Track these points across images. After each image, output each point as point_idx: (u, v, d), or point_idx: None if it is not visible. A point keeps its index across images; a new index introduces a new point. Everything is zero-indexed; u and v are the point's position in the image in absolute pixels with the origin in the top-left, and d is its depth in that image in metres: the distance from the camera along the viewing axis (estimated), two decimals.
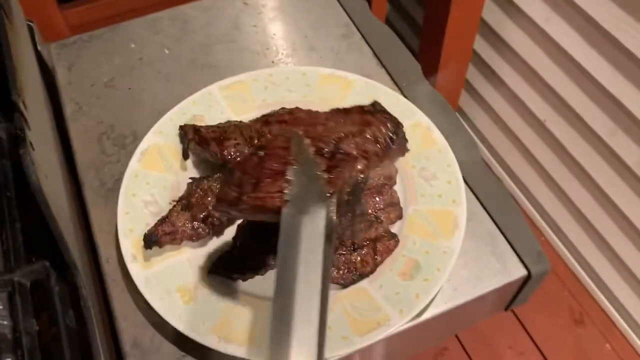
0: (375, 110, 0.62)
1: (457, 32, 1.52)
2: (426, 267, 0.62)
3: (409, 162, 0.71)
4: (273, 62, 0.85)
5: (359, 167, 0.51)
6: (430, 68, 1.65)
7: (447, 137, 0.72)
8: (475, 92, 1.79)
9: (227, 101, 0.76)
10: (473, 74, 1.77)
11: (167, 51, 0.86)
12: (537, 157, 1.65)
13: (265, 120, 0.69)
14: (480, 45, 1.67)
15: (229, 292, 0.62)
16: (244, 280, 0.61)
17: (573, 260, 1.69)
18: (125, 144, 0.76)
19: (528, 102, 1.59)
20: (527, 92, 1.57)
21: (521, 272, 0.66)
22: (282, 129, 0.67)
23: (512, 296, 0.71)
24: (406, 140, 0.60)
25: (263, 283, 0.62)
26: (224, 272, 0.61)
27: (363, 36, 0.87)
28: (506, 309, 0.75)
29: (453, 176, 0.68)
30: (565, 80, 1.43)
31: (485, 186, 0.72)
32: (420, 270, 0.62)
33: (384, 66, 0.83)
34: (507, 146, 1.76)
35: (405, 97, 0.77)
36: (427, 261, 0.62)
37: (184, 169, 0.71)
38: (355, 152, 0.51)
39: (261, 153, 0.55)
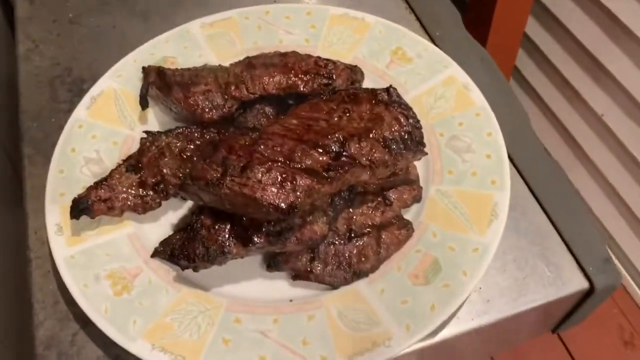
0: (390, 101, 0.48)
1: (507, 10, 1.35)
2: (448, 268, 0.45)
3: (435, 129, 0.53)
4: (276, 1, 0.68)
5: (363, 177, 0.45)
6: None
7: (488, 100, 0.54)
8: (524, 80, 1.61)
9: (209, 42, 0.60)
10: (522, 60, 1.59)
11: None
12: (590, 155, 1.47)
13: (249, 62, 0.53)
14: (532, 27, 1.49)
15: (176, 284, 0.46)
16: (195, 270, 0.45)
17: (625, 274, 1.50)
18: (82, 90, 0.61)
19: (584, 92, 1.41)
20: (584, 81, 1.39)
21: (581, 284, 0.49)
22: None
23: (565, 315, 0.53)
24: (423, 145, 0.47)
25: (219, 277, 0.47)
26: (171, 257, 0.45)
27: None
28: (554, 330, 0.57)
29: (494, 149, 0.51)
30: (630, 69, 1.23)
31: (537, 167, 0.55)
32: (440, 273, 0.45)
33: (413, 11, 0.66)
34: (557, 141, 1.58)
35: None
36: (451, 261, 0.45)
37: (144, 122, 0.55)
38: (362, 160, 0.44)
39: (253, 134, 0.45)
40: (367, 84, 0.57)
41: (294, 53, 0.55)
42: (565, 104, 1.53)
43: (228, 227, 0.44)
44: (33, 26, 0.68)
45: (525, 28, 1.51)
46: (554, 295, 0.48)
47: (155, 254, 0.47)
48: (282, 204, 0.41)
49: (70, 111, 0.59)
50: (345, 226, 0.47)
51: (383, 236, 0.47)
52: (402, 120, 0.47)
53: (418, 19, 0.65)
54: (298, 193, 0.42)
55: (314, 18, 0.61)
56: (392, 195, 0.49)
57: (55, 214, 0.49)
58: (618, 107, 1.34)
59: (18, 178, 0.58)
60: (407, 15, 0.66)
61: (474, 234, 0.47)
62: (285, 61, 0.53)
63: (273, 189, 0.41)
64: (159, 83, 0.53)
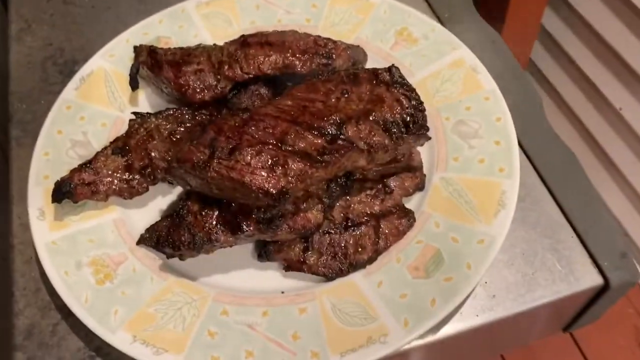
0: (391, 81, 0.45)
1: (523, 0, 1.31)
2: (451, 260, 0.42)
3: (441, 113, 0.50)
4: None
5: (360, 162, 0.42)
6: None
7: (499, 84, 0.51)
8: (540, 73, 1.56)
9: (205, 21, 0.57)
10: (538, 52, 1.54)
11: None
12: (608, 152, 1.42)
13: (244, 40, 0.50)
14: (548, 18, 1.44)
15: (161, 273, 0.43)
16: (182, 258, 0.42)
17: None
18: (73, 72, 0.59)
19: (602, 86, 1.36)
20: (601, 74, 1.34)
21: (595, 280, 0.46)
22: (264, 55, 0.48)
23: (577, 313, 0.50)
24: (426, 128, 0.44)
25: (208, 266, 0.44)
26: (156, 244, 0.43)
27: None
28: (565, 329, 0.53)
29: (503, 134, 0.48)
30: None
31: (549, 154, 0.51)
32: (442, 265, 0.42)
33: None
34: (573, 137, 1.53)
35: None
36: (454, 253, 0.43)
37: (134, 104, 0.53)
38: (360, 144, 0.41)
39: (244, 115, 0.42)
40: (369, 66, 0.54)
41: (292, 32, 0.52)
42: (582, 97, 1.49)
43: (216, 213, 0.41)
44: (26, 5, 0.66)
45: (542, 19, 1.47)
46: (566, 292, 0.45)
47: (141, 241, 0.44)
48: (272, 189, 0.38)
49: (60, 93, 0.57)
50: (341, 215, 0.44)
51: (382, 226, 0.44)
52: (404, 101, 0.44)
53: None
54: (289, 178, 0.39)
55: None
56: (393, 182, 0.46)
57: (38, 198, 0.46)
58: (637, 101, 1.29)
59: (6, 160, 0.55)
60: None
61: (479, 224, 0.44)
62: (283, 40, 0.50)
63: (263, 173, 0.39)
64: (150, 63, 0.50)
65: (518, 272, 0.46)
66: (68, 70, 0.59)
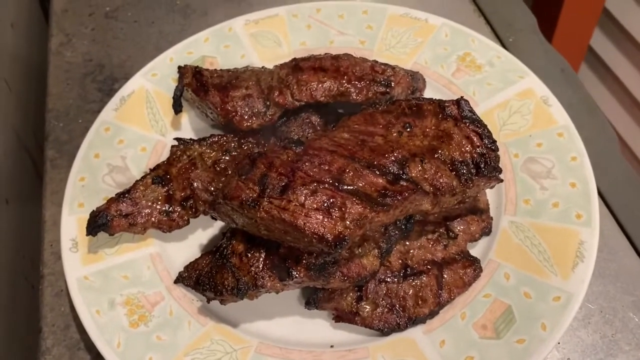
0: (460, 115, 0.40)
1: (572, 22, 1.25)
2: (524, 319, 0.38)
3: (509, 149, 0.46)
4: None
5: (424, 206, 0.38)
6: None
7: (570, 117, 0.46)
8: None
9: (252, 41, 0.54)
10: (584, 74, 1.48)
11: None
12: None
13: (296, 64, 0.47)
14: (597, 40, 1.38)
15: (200, 317, 0.40)
16: (223, 303, 0.39)
17: None
18: (112, 90, 0.56)
19: None
20: None
21: None
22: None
23: None
24: (499, 170, 0.39)
25: (250, 311, 0.40)
26: (196, 285, 0.39)
27: None
28: None
29: (580, 176, 0.43)
30: None
31: (627, 197, 0.46)
32: (513, 324, 0.38)
33: (483, 13, 0.58)
34: None
35: None
36: (526, 310, 0.38)
37: (177, 128, 0.50)
38: (425, 186, 0.37)
39: (297, 148, 0.39)
40: (428, 93, 0.50)
41: (347, 56, 0.48)
42: (632, 123, 1.42)
43: (263, 256, 0.38)
44: (68, 19, 0.64)
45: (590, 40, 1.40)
46: None
47: (179, 279, 0.41)
48: (329, 235, 0.34)
49: (99, 112, 0.54)
50: (400, 261, 0.40)
51: (445, 275, 0.40)
52: (474, 139, 0.39)
53: (488, 22, 0.58)
54: (347, 222, 0.35)
55: (370, 17, 0.55)
56: (457, 226, 0.42)
57: (71, 228, 0.43)
58: None
59: (40, 179, 0.53)
60: (476, 18, 0.59)
61: (555, 278, 0.39)
62: (337, 65, 0.46)
63: (318, 216, 0.35)
64: (195, 85, 0.47)
65: (596, 333, 0.41)
66: (108, 89, 0.57)
